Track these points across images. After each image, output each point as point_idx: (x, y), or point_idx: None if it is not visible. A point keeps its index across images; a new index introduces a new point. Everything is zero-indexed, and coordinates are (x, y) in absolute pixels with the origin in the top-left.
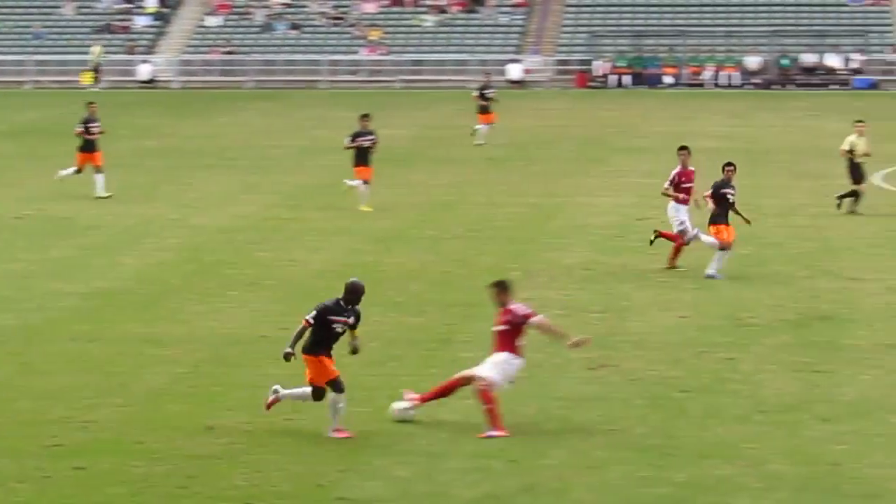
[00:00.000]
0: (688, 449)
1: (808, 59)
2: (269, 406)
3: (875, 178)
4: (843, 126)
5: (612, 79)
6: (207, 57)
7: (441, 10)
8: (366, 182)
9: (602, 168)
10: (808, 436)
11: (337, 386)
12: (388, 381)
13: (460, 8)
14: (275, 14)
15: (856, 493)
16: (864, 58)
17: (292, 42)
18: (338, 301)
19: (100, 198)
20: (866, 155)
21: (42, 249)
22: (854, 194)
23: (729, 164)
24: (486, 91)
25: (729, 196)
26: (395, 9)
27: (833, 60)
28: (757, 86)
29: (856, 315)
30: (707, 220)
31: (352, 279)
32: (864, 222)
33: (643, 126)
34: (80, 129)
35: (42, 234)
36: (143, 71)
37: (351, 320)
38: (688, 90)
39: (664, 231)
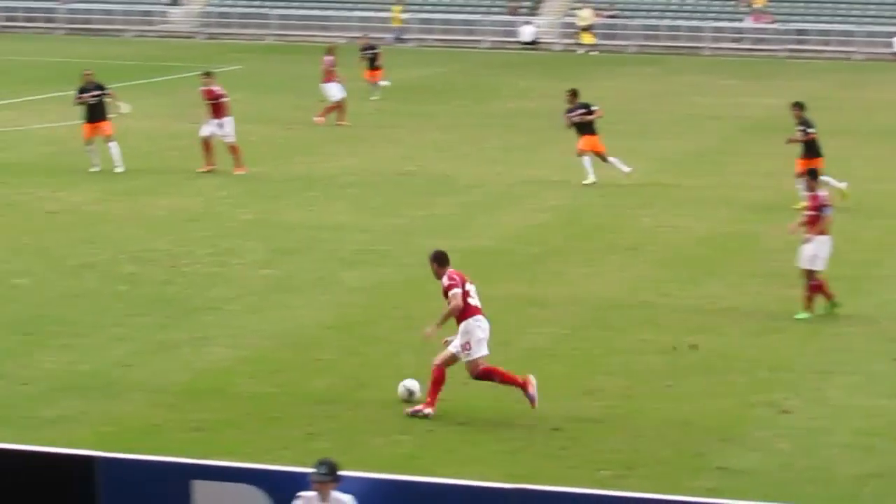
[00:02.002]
0: None
1: None
2: None
3: None
4: None
5: None
6: (593, 20)
7: None
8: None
9: None
10: None
11: None
12: (767, 353)
13: None
14: None
15: None
16: None
17: (676, 8)
18: None
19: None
20: None
21: (425, 206)
22: None
23: None
24: None
25: None
26: None
27: None
28: None
29: None
30: None
31: None
32: None
33: None
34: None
35: (425, 192)
36: (526, 32)
37: None
38: None
39: None
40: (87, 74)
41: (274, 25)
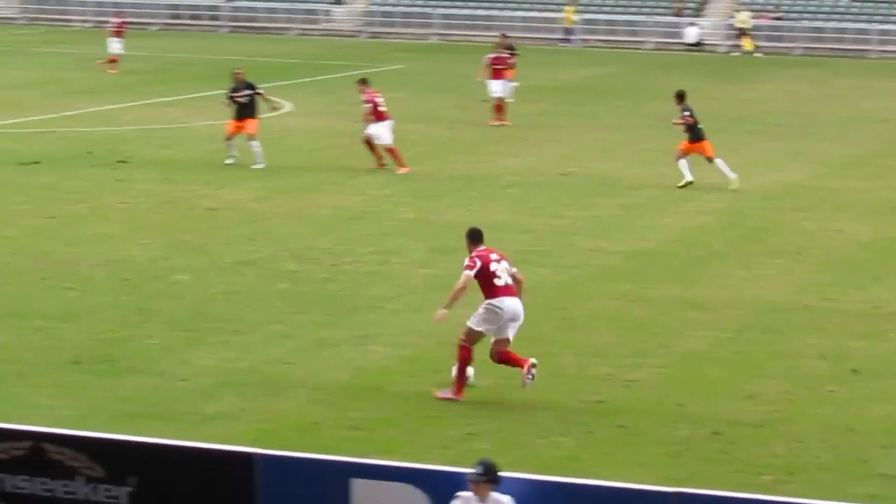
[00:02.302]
0: None
1: None
2: None
3: None
4: None
5: None
6: (758, 22)
7: None
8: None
9: None
10: None
11: None
12: None
13: None
14: None
15: None
16: None
17: (842, 10)
18: None
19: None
20: None
21: (586, 207)
22: None
23: None
24: None
25: None
26: None
27: None
28: None
29: None
30: None
31: None
32: None
33: None
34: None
35: (586, 192)
36: (690, 34)
37: None
38: None
39: None
40: (238, 73)
41: (437, 25)
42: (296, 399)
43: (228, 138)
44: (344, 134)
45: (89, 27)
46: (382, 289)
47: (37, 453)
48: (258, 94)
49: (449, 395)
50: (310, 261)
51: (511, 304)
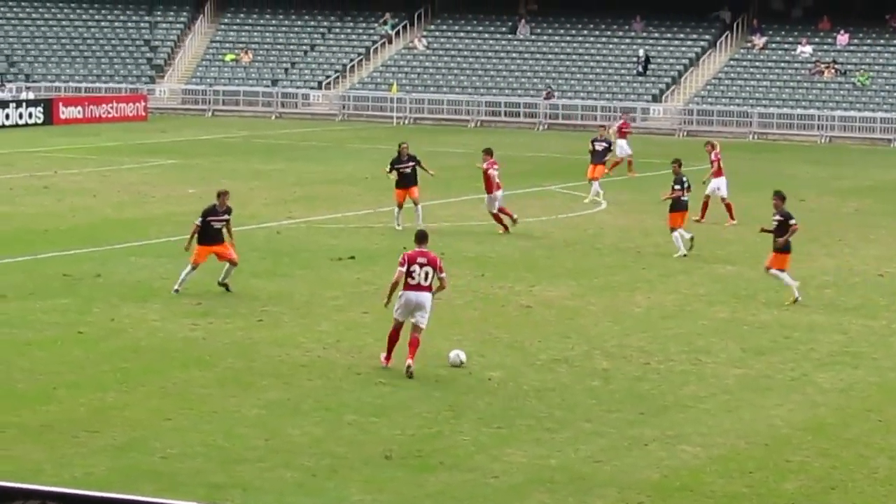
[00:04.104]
0: None
1: None
2: None
3: None
4: None
5: None
6: None
7: None
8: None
9: None
10: None
11: None
12: None
13: None
14: None
15: None
16: None
17: None
18: None
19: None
20: None
21: None
22: None
23: None
24: None
25: None
26: None
27: None
28: None
29: None
30: None
31: None
32: None
33: None
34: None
35: None
36: None
37: None
38: None
39: None
40: (404, 147)
41: (755, 124)
42: (605, 498)
43: (399, 206)
44: (656, 232)
45: (408, 124)
46: (694, 388)
47: None
48: (418, 164)
49: (383, 360)
50: (622, 359)
51: (412, 297)
